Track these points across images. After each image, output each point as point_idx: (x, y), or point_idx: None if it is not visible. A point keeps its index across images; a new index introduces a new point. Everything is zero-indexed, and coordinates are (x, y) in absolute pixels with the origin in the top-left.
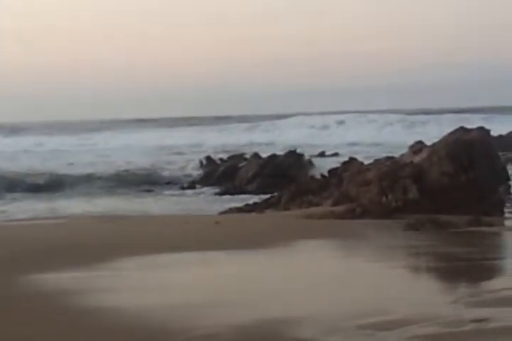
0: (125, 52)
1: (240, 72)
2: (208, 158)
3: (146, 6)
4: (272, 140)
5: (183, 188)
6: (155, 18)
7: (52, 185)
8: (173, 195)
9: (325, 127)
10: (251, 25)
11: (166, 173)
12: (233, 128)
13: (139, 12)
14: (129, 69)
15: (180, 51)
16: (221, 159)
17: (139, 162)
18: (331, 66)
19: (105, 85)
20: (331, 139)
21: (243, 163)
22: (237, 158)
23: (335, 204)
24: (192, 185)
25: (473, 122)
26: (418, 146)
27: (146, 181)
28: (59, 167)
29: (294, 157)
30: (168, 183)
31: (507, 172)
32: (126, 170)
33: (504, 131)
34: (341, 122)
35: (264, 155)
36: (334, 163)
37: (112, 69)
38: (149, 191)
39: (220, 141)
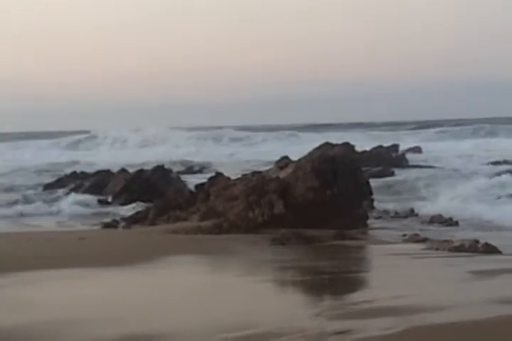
0: None
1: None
2: (74, 173)
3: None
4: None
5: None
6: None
7: None
8: (39, 213)
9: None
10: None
11: (24, 191)
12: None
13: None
14: None
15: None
16: (85, 173)
17: None
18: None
19: None
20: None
21: (110, 178)
22: (104, 173)
23: (202, 219)
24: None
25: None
26: (284, 161)
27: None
28: None
29: (161, 172)
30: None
31: (370, 187)
32: None
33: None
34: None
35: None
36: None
37: None
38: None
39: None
